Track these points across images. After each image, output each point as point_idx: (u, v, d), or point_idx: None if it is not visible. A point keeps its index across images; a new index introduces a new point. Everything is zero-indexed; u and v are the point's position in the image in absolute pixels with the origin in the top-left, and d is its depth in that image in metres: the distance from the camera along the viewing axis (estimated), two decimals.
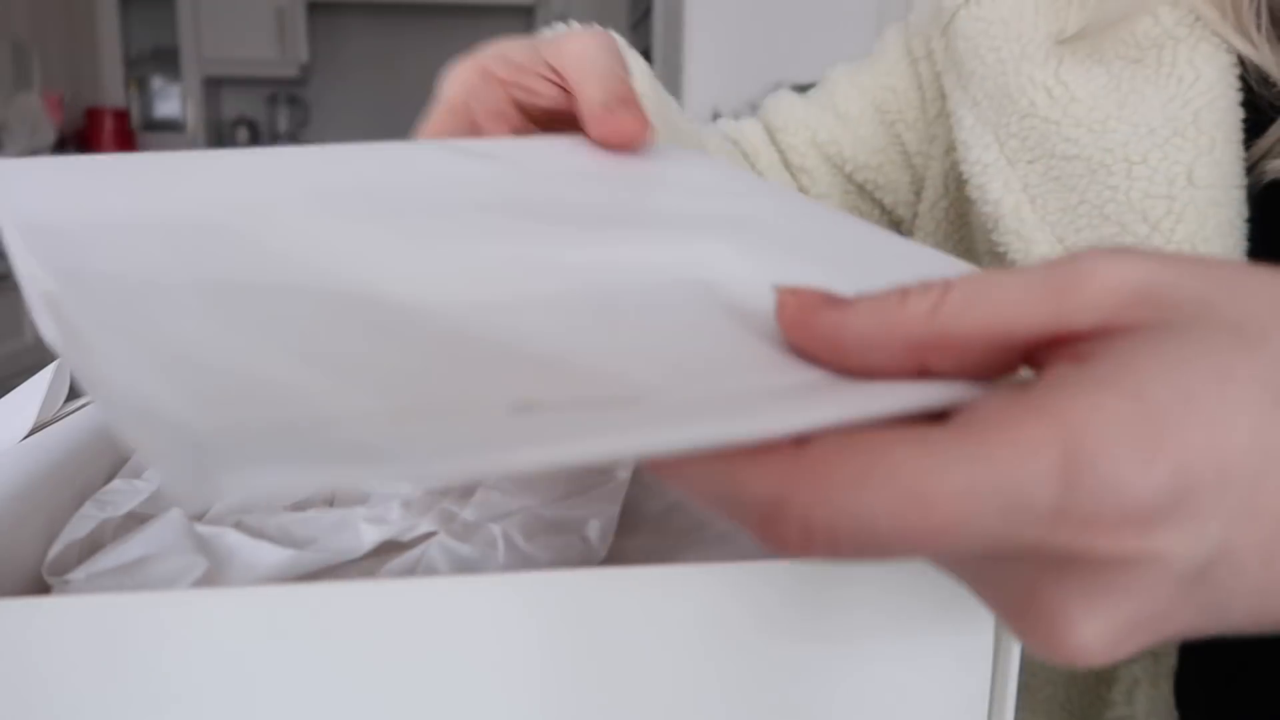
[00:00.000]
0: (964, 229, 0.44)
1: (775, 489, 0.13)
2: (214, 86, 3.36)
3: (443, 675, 0.16)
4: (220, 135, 3.42)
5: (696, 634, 0.17)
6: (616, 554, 0.20)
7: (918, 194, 0.47)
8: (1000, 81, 0.38)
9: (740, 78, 1.80)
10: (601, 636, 0.16)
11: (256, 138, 3.46)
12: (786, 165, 0.48)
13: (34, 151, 2.40)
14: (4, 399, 0.23)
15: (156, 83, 3.30)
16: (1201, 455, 0.13)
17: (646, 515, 0.22)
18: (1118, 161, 0.35)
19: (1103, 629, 0.13)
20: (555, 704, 0.17)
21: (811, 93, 0.49)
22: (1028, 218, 0.37)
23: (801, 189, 0.48)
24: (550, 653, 0.16)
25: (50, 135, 2.45)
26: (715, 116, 1.94)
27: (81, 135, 2.81)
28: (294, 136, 3.45)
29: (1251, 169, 0.34)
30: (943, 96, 0.42)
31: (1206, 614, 0.14)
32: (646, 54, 2.52)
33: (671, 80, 1.97)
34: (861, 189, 0.47)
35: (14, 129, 2.35)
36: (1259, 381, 0.13)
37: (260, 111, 3.47)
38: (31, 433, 0.23)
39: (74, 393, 0.25)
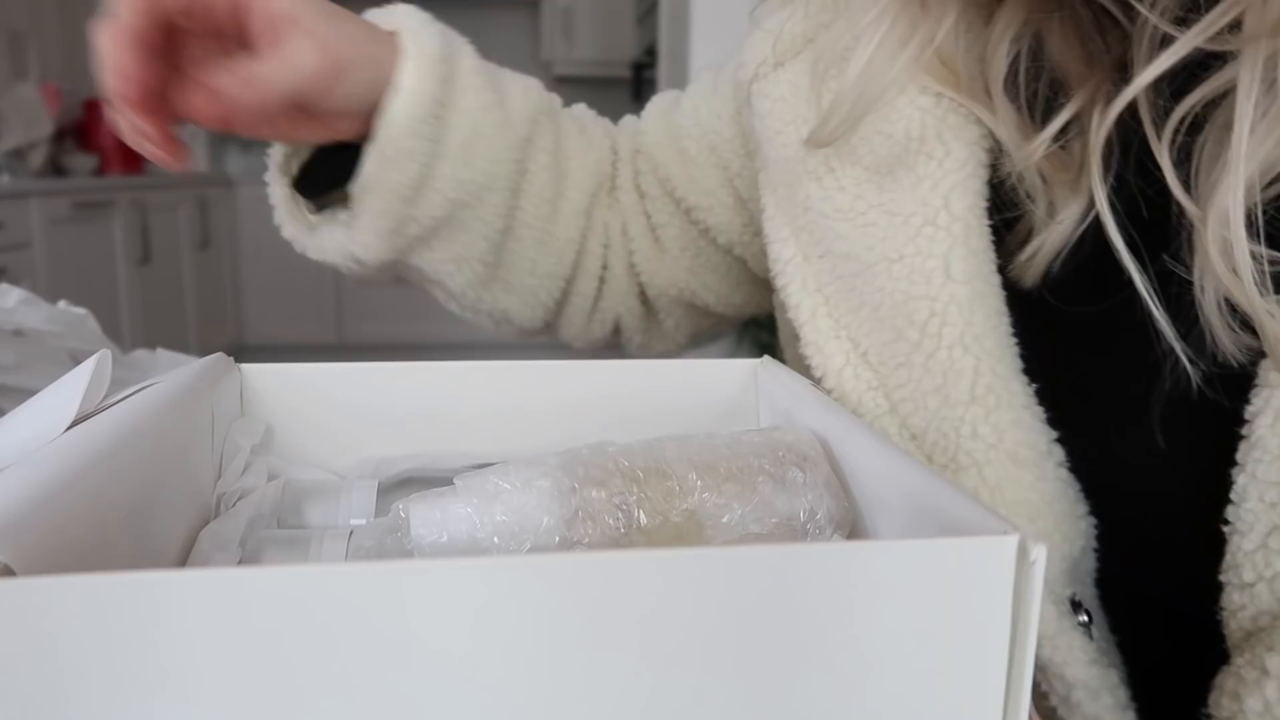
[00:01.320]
0: None
1: None
2: None
3: (469, 657, 0.17)
4: None
5: (703, 621, 0.17)
6: None
7: (755, 235, 0.44)
8: (786, 168, 0.35)
9: None
10: (610, 621, 0.17)
11: None
12: (636, 187, 0.48)
13: (31, 143, 2.39)
14: (46, 390, 0.24)
15: None
16: None
17: None
18: (879, 260, 0.31)
19: None
20: (562, 689, 0.17)
21: (683, 102, 0.47)
22: (823, 325, 0.34)
23: (646, 214, 0.47)
24: (558, 638, 0.17)
25: (47, 127, 2.44)
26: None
27: (79, 127, 2.80)
28: None
29: (1004, 259, 0.31)
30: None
31: None
32: (651, 49, 2.50)
33: (678, 73, 1.96)
34: (696, 225, 0.46)
35: (10, 120, 2.34)
36: None
37: None
38: (74, 424, 0.23)
39: (115, 384, 0.25)
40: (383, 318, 3.32)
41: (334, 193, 0.39)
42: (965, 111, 0.31)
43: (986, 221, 0.31)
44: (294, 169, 0.41)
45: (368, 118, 0.37)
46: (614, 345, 0.52)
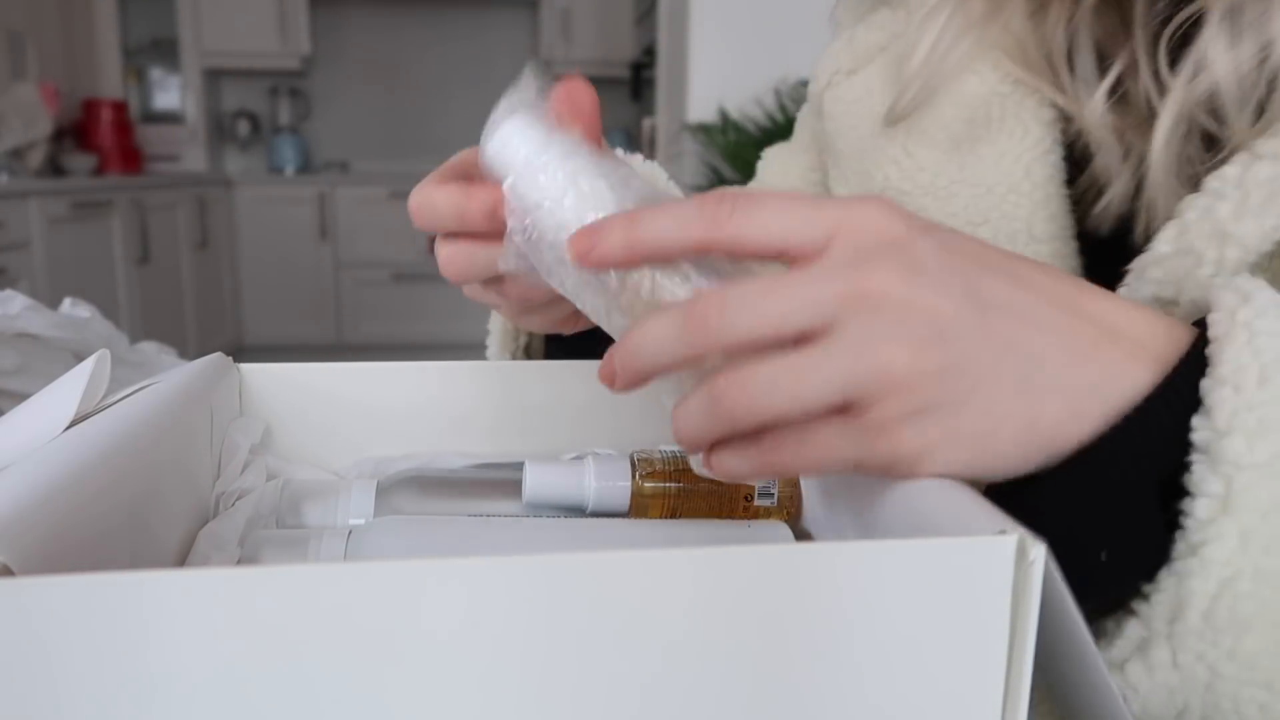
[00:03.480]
0: None
1: None
2: (214, 78, 3.34)
3: (467, 656, 0.17)
4: (221, 127, 3.41)
5: (702, 620, 0.17)
6: None
7: None
8: (860, 159, 0.40)
9: (745, 73, 1.80)
10: (608, 619, 0.17)
11: (258, 130, 3.45)
12: None
13: (30, 143, 2.39)
14: (46, 390, 0.24)
15: (155, 74, 3.28)
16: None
17: None
18: (963, 225, 0.35)
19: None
20: (560, 687, 0.17)
21: (765, 179, 0.51)
22: None
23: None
24: (555, 637, 0.17)
25: (46, 126, 2.44)
26: (721, 112, 1.94)
27: (79, 127, 2.80)
28: (295, 129, 3.44)
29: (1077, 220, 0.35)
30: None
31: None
32: (650, 49, 2.51)
33: (676, 75, 1.97)
34: None
35: (10, 120, 2.34)
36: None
37: (261, 104, 3.46)
38: (73, 423, 0.23)
39: (115, 383, 0.25)
40: (382, 318, 3.32)
41: None
42: (1040, 95, 0.35)
43: (1065, 191, 0.35)
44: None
45: None
46: None
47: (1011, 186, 0.35)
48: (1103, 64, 0.34)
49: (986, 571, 0.18)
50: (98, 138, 2.81)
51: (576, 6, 3.33)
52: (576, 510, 0.30)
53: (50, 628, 0.15)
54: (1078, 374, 0.22)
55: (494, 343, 0.43)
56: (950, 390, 0.21)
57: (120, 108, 2.91)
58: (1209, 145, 0.30)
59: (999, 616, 0.18)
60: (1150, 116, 0.32)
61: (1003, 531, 0.18)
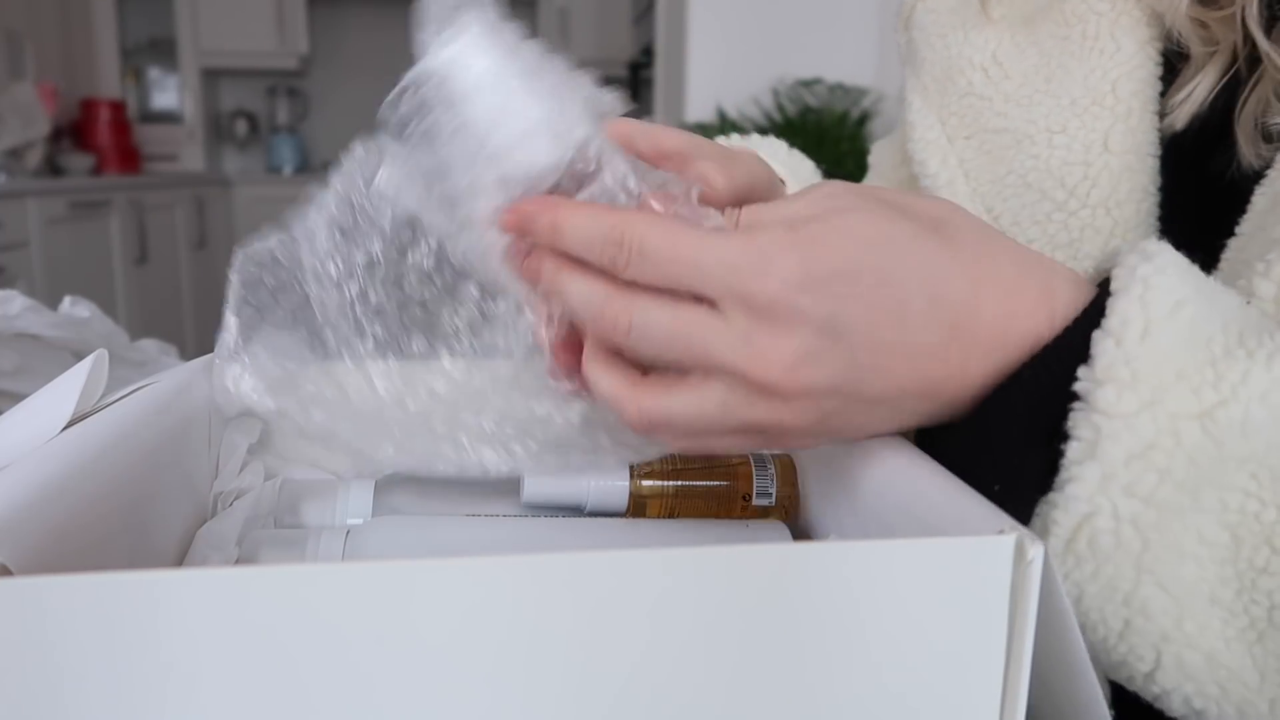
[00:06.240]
0: None
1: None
2: (212, 78, 3.34)
3: (466, 655, 0.17)
4: (219, 127, 3.40)
5: (703, 620, 0.17)
6: None
7: None
8: (945, 66, 0.41)
9: (743, 72, 1.80)
10: (609, 619, 0.17)
11: (256, 130, 3.45)
12: None
13: (28, 143, 2.38)
14: (44, 390, 0.24)
15: (153, 74, 3.27)
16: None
17: None
18: (1040, 132, 0.37)
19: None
20: (559, 687, 0.17)
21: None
22: (960, 190, 0.39)
23: None
24: (555, 636, 0.17)
25: (44, 126, 2.44)
26: (719, 112, 1.94)
27: (77, 127, 2.79)
28: (293, 129, 3.43)
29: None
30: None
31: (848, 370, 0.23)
32: (648, 49, 2.51)
33: (674, 74, 1.97)
34: None
35: (7, 120, 2.33)
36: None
37: (259, 103, 3.45)
38: (70, 424, 0.23)
39: (115, 382, 0.25)
40: None
41: None
42: (1138, 15, 0.36)
43: (1152, 108, 0.35)
44: None
45: None
46: None
47: (1095, 100, 0.35)
48: None
49: (985, 571, 0.18)
50: (96, 137, 2.80)
51: (574, 6, 3.33)
52: (574, 510, 0.30)
53: (48, 627, 0.15)
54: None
55: None
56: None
57: (118, 107, 2.90)
58: None
59: (998, 616, 0.18)
60: (1239, 7, 0.32)
61: (1002, 531, 0.18)
